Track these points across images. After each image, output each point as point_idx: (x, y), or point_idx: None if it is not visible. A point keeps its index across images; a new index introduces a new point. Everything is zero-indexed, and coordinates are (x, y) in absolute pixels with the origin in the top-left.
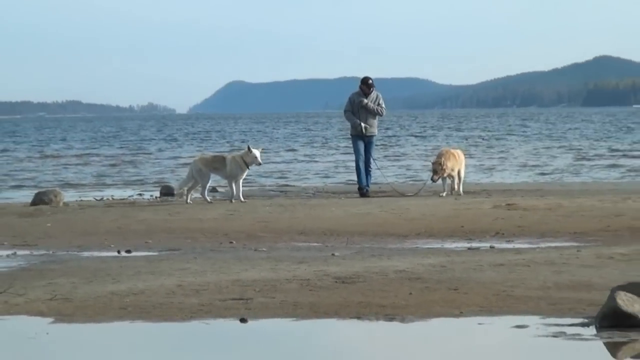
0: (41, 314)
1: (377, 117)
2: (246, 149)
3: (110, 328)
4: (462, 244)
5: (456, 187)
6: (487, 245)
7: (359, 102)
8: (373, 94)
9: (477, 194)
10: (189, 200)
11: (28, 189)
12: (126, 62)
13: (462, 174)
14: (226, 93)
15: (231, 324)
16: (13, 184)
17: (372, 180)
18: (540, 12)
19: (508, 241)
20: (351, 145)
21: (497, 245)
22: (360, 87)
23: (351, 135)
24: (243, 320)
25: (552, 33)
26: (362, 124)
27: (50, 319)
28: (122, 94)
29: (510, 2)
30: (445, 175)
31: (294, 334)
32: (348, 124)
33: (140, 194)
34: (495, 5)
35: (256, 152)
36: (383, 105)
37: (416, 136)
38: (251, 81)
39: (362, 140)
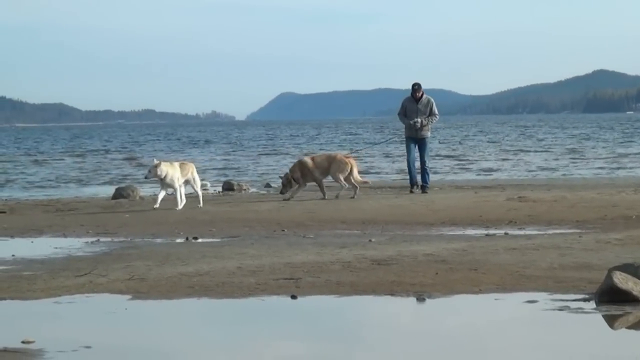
0: (120, 292)
1: (429, 122)
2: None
3: (180, 304)
4: (481, 231)
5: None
6: (502, 232)
7: (414, 123)
8: (424, 99)
9: (493, 188)
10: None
11: (110, 185)
12: (193, 75)
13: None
14: (279, 102)
15: (283, 300)
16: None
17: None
18: (547, 32)
19: (520, 228)
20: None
21: (510, 232)
22: (411, 93)
23: (405, 136)
24: (293, 297)
25: (557, 50)
26: (414, 121)
27: (129, 296)
28: (189, 103)
29: (522, 25)
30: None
31: (337, 308)
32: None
33: (205, 189)
34: (508, 29)
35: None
36: (435, 112)
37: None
38: (300, 92)
39: (414, 142)
